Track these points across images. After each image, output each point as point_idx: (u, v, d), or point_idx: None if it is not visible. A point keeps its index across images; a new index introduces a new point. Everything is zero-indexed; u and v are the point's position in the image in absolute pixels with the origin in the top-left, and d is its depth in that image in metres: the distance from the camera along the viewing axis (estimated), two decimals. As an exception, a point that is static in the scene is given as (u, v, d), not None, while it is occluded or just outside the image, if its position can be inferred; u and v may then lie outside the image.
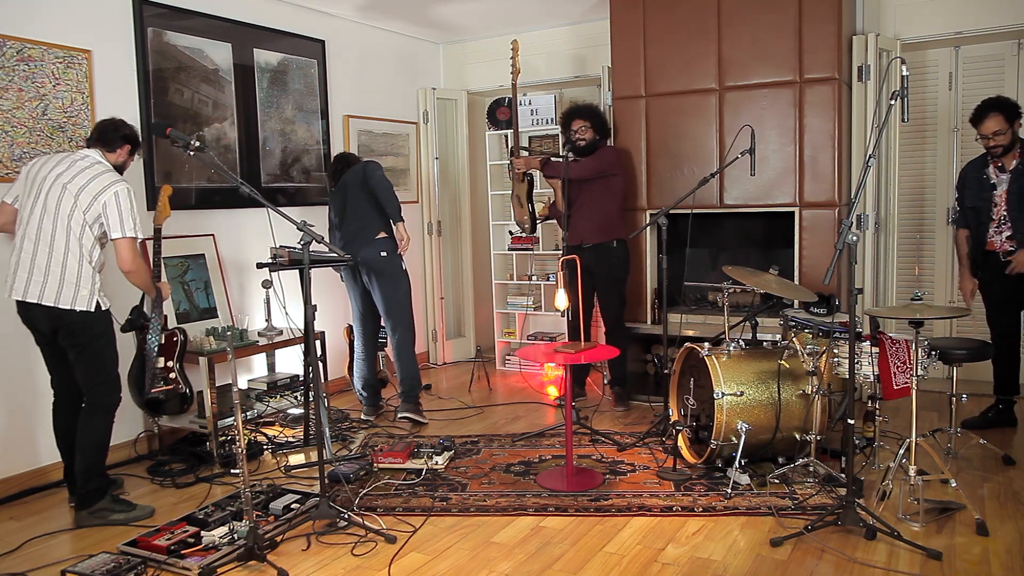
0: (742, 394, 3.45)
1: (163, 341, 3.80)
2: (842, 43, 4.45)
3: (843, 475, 3.24)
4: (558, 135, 5.92)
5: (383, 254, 4.43)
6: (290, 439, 4.33)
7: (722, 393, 3.43)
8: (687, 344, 3.76)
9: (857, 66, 4.65)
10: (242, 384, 4.71)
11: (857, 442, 3.61)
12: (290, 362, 5.00)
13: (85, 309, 3.18)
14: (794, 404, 3.49)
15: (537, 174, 5.16)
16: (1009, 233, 3.93)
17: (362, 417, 4.72)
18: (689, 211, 4.54)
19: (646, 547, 2.90)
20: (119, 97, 4.10)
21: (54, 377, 3.41)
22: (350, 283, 4.64)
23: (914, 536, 2.86)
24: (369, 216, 4.45)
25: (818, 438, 3.42)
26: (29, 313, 3.22)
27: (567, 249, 4.44)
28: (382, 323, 4.69)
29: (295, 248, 3.57)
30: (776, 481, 3.42)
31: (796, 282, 4.51)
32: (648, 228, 4.82)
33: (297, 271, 4.01)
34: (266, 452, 4.14)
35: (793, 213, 4.57)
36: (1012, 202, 3.90)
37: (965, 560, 2.71)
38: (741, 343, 3.66)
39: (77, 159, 3.24)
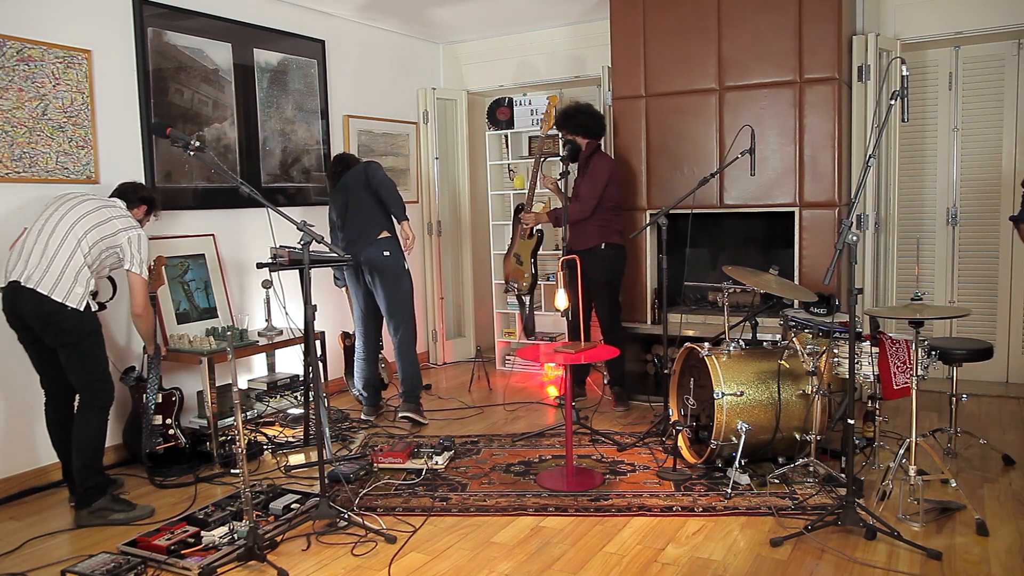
0: (742, 394, 3.45)
1: (160, 400, 3.84)
2: (842, 43, 4.45)
3: (843, 475, 3.24)
4: (558, 135, 5.92)
5: (386, 254, 4.44)
6: (290, 439, 4.33)
7: (722, 393, 3.43)
8: (687, 344, 3.76)
9: (857, 66, 4.65)
10: (242, 384, 4.72)
11: (857, 442, 3.61)
12: (290, 362, 5.00)
13: (75, 307, 3.20)
14: (794, 404, 3.49)
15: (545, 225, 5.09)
16: None
17: (362, 417, 4.72)
18: (689, 211, 4.54)
19: (646, 547, 2.90)
20: (119, 97, 4.10)
21: (43, 377, 3.43)
22: (353, 283, 4.64)
23: (914, 536, 2.86)
24: (371, 216, 4.46)
25: (818, 438, 3.42)
26: (18, 300, 3.20)
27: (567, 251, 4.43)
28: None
29: (295, 248, 3.58)
30: (776, 481, 3.42)
31: (796, 282, 4.51)
32: (648, 228, 4.82)
33: (297, 271, 4.01)
34: (266, 452, 4.14)
35: (793, 213, 4.57)
36: None
37: (965, 560, 2.71)
38: (741, 343, 3.66)
39: (108, 201, 3.48)
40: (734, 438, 3.43)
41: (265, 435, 4.33)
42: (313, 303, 3.14)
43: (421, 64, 6.32)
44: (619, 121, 5.06)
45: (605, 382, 5.04)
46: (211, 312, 4.51)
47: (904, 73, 2.83)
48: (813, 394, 3.43)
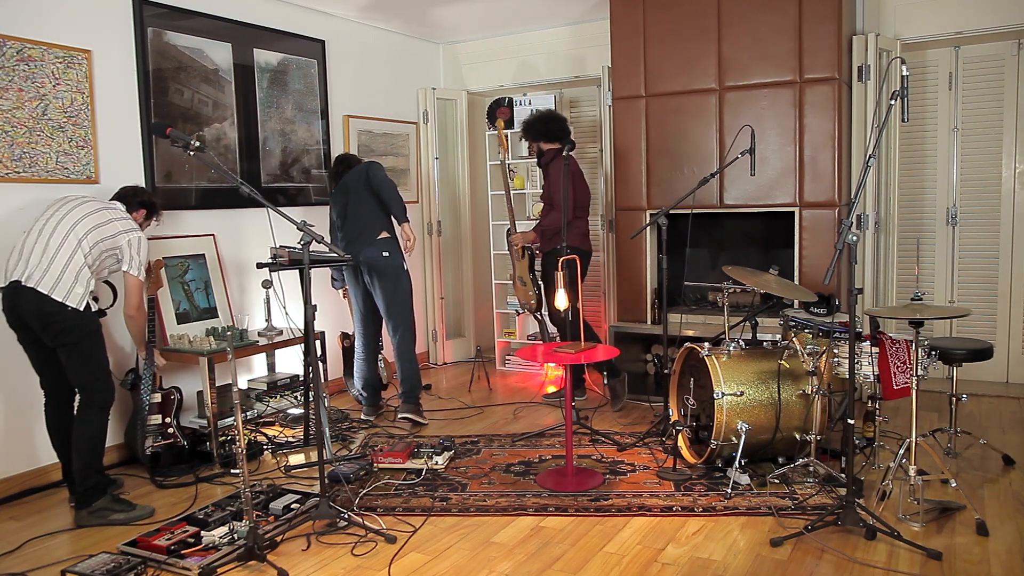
0: (742, 394, 3.45)
1: (160, 399, 3.84)
2: (842, 43, 4.45)
3: (843, 475, 3.24)
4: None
5: (385, 254, 4.44)
6: (290, 439, 4.33)
7: (722, 393, 3.43)
8: (687, 344, 3.76)
9: (857, 66, 4.65)
10: (242, 384, 4.72)
11: (857, 442, 3.61)
12: (290, 362, 5.00)
13: (75, 307, 3.20)
14: (794, 404, 3.49)
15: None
16: None
17: (362, 417, 4.72)
18: (689, 211, 4.54)
19: (646, 547, 2.90)
20: (119, 97, 4.10)
21: (43, 378, 3.43)
22: (352, 284, 4.64)
23: (914, 536, 2.86)
24: (371, 216, 4.46)
25: (818, 438, 3.42)
26: (18, 299, 3.20)
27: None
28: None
29: (295, 248, 3.58)
30: (776, 481, 3.42)
31: (796, 282, 4.50)
32: (648, 228, 4.82)
33: (297, 271, 4.01)
34: (266, 452, 4.14)
35: (793, 213, 4.57)
36: None
37: (965, 560, 2.71)
38: (741, 343, 3.66)
39: (109, 203, 3.48)
40: (734, 438, 3.43)
41: (265, 435, 4.33)
42: (313, 303, 3.14)
43: (421, 64, 6.32)
44: (619, 121, 5.06)
45: (605, 382, 5.04)
46: (211, 312, 4.51)
47: (904, 73, 2.83)
48: (813, 394, 3.43)
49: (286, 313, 4.47)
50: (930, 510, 3.05)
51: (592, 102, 6.19)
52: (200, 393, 4.28)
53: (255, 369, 4.88)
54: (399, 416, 4.58)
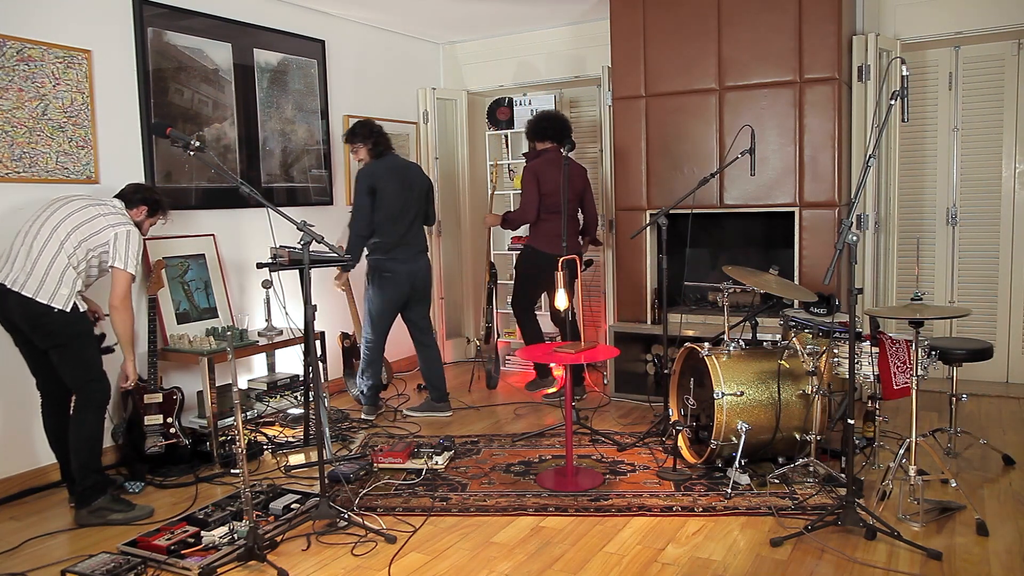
0: (742, 394, 3.45)
1: (162, 399, 3.83)
2: (842, 43, 4.45)
3: (843, 475, 3.24)
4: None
5: (429, 266, 4.75)
6: (290, 439, 4.33)
7: (722, 393, 3.43)
8: (687, 344, 3.76)
9: (857, 66, 4.65)
10: (242, 384, 4.72)
11: (857, 442, 3.61)
12: (290, 362, 5.00)
13: (61, 308, 3.19)
14: (794, 404, 3.49)
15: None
16: None
17: (363, 417, 4.72)
18: (689, 211, 4.54)
19: (646, 547, 2.90)
20: (119, 97, 4.10)
21: (38, 379, 3.43)
22: (393, 286, 4.57)
23: (914, 536, 2.86)
24: (421, 227, 4.72)
25: (818, 438, 3.42)
26: (5, 303, 3.20)
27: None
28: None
29: (295, 248, 3.58)
30: (776, 481, 3.42)
31: (796, 282, 4.50)
32: (648, 228, 4.82)
33: (297, 271, 4.01)
34: (266, 452, 4.14)
35: (793, 213, 4.57)
36: None
37: (965, 560, 2.71)
38: (741, 343, 3.66)
39: (105, 200, 3.45)
40: (734, 438, 3.43)
41: (265, 435, 4.33)
42: (313, 303, 3.14)
43: (421, 64, 6.32)
44: (619, 121, 5.06)
45: (605, 382, 5.04)
46: (211, 312, 4.51)
47: (904, 73, 2.83)
48: (813, 394, 3.43)
49: (286, 313, 4.47)
50: (930, 510, 3.05)
51: (592, 102, 6.19)
52: (200, 393, 4.28)
53: (255, 369, 4.88)
54: (444, 415, 4.77)
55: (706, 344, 3.62)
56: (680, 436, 3.75)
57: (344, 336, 5.13)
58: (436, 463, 3.73)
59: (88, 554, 2.91)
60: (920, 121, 5.05)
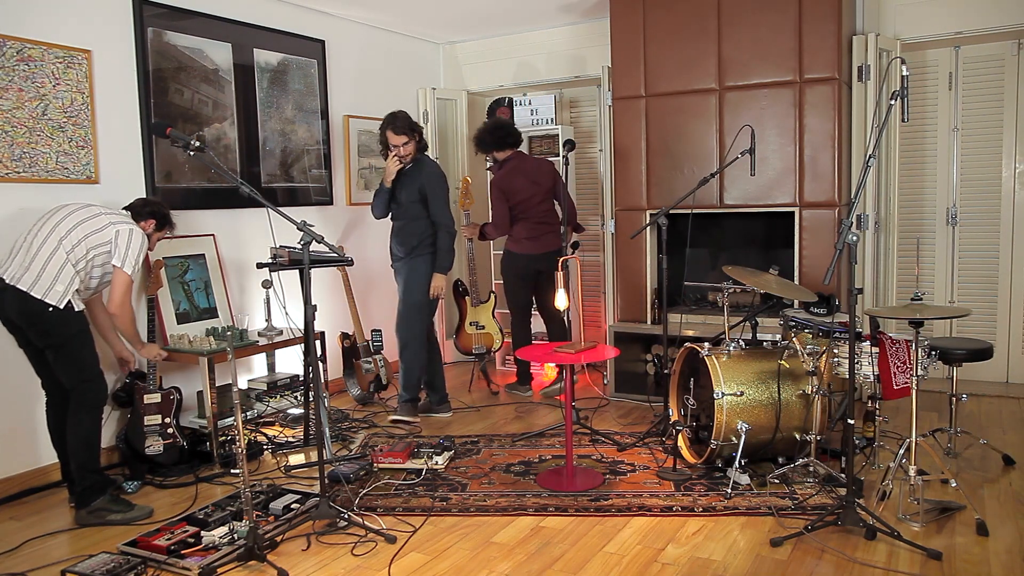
0: (742, 394, 3.45)
1: (160, 399, 3.83)
2: (842, 43, 4.45)
3: (843, 475, 3.24)
4: (558, 135, 5.93)
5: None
6: (290, 439, 4.33)
7: (722, 393, 3.43)
8: (687, 344, 3.76)
9: (857, 66, 4.65)
10: (242, 384, 4.71)
11: (857, 442, 3.61)
12: (290, 362, 5.00)
13: (55, 305, 3.18)
14: (794, 404, 3.49)
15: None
16: None
17: (408, 420, 4.57)
18: (689, 211, 4.54)
19: (646, 547, 2.90)
20: (119, 97, 4.10)
21: (41, 377, 3.44)
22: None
23: (914, 536, 2.86)
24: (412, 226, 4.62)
25: (818, 438, 3.42)
26: (3, 299, 3.20)
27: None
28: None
29: (295, 248, 3.58)
30: (776, 481, 3.42)
31: (796, 282, 4.50)
32: (648, 228, 4.82)
33: (297, 271, 4.01)
34: (266, 452, 4.14)
35: (793, 213, 4.56)
36: None
37: (965, 560, 2.71)
38: (741, 343, 3.66)
39: (107, 208, 3.45)
40: (734, 438, 3.43)
41: (265, 435, 4.33)
42: (313, 303, 3.14)
43: (421, 64, 6.32)
44: (619, 121, 5.06)
45: (605, 382, 5.04)
46: (211, 312, 4.51)
47: (904, 73, 2.83)
48: (813, 394, 3.43)
49: (286, 313, 4.47)
50: (930, 510, 3.05)
51: (592, 102, 6.19)
52: (200, 393, 4.28)
53: (255, 369, 4.88)
54: (444, 415, 4.75)
55: (706, 344, 3.62)
56: (680, 436, 3.75)
57: (344, 336, 5.13)
58: (436, 463, 3.73)
59: (88, 554, 2.91)
60: (920, 121, 5.05)
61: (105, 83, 4.02)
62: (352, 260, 4.44)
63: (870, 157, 2.86)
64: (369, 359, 5.09)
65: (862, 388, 4.27)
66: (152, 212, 3.59)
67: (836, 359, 3.41)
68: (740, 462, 3.37)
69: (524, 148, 6.15)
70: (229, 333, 4.30)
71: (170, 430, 3.83)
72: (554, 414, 4.75)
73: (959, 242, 5.03)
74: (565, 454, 3.69)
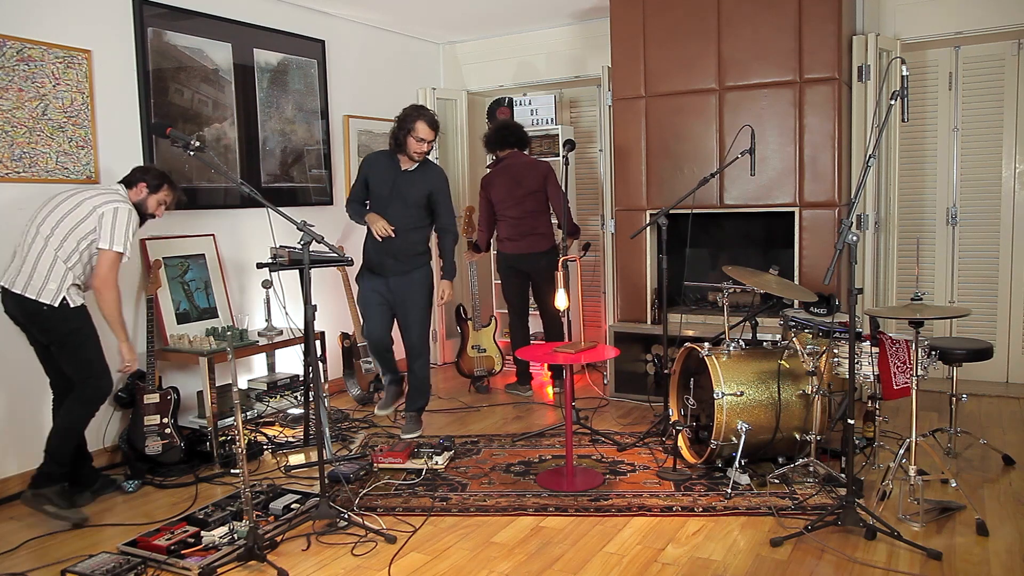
0: (742, 394, 3.45)
1: (158, 399, 3.83)
2: (842, 43, 4.45)
3: (843, 475, 3.24)
4: (558, 135, 5.93)
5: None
6: (290, 439, 4.33)
7: (722, 393, 3.43)
8: (687, 344, 3.76)
9: (857, 66, 4.65)
10: (242, 384, 4.71)
11: (857, 442, 3.61)
12: (290, 362, 5.00)
13: (49, 303, 3.19)
14: (794, 404, 3.49)
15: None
16: None
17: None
18: (689, 211, 4.54)
19: (646, 547, 2.90)
20: (119, 97, 4.10)
21: (49, 376, 3.45)
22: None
23: (914, 536, 2.86)
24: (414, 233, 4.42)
25: (818, 438, 3.42)
26: (6, 303, 3.27)
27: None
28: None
29: (295, 248, 3.58)
30: (776, 481, 3.42)
31: (796, 282, 4.50)
32: (648, 228, 4.82)
33: (297, 271, 4.01)
34: (266, 452, 4.14)
35: (793, 213, 4.56)
36: None
37: (965, 560, 2.71)
38: (741, 343, 3.66)
39: (103, 187, 3.45)
40: (734, 438, 3.43)
41: (265, 435, 4.33)
42: (313, 303, 3.14)
43: (421, 64, 6.32)
44: (619, 121, 5.06)
45: (605, 382, 5.04)
46: (211, 312, 4.50)
47: (904, 73, 2.83)
48: (813, 394, 3.43)
49: (286, 313, 4.47)
50: (930, 510, 3.05)
51: (592, 102, 6.19)
52: (200, 393, 4.28)
53: (255, 369, 4.88)
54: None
55: (706, 344, 3.62)
56: (680, 436, 3.75)
57: (344, 336, 5.13)
58: (436, 463, 3.73)
59: (88, 554, 2.91)
60: (920, 121, 5.05)
61: (105, 83, 4.02)
62: (352, 260, 4.43)
63: (870, 157, 2.86)
64: (369, 359, 5.09)
65: (862, 388, 4.27)
66: (141, 177, 3.49)
67: (836, 359, 3.41)
68: (740, 462, 3.37)
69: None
70: (229, 333, 4.30)
71: (168, 430, 3.83)
72: (554, 414, 4.75)
73: (959, 242, 5.03)
74: (565, 454, 3.69)
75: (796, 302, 4.09)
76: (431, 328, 4.76)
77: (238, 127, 4.74)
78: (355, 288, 4.49)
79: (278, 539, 3.02)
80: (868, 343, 3.37)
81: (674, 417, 3.89)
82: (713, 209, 4.80)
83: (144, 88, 4.20)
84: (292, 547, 3.00)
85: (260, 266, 4.07)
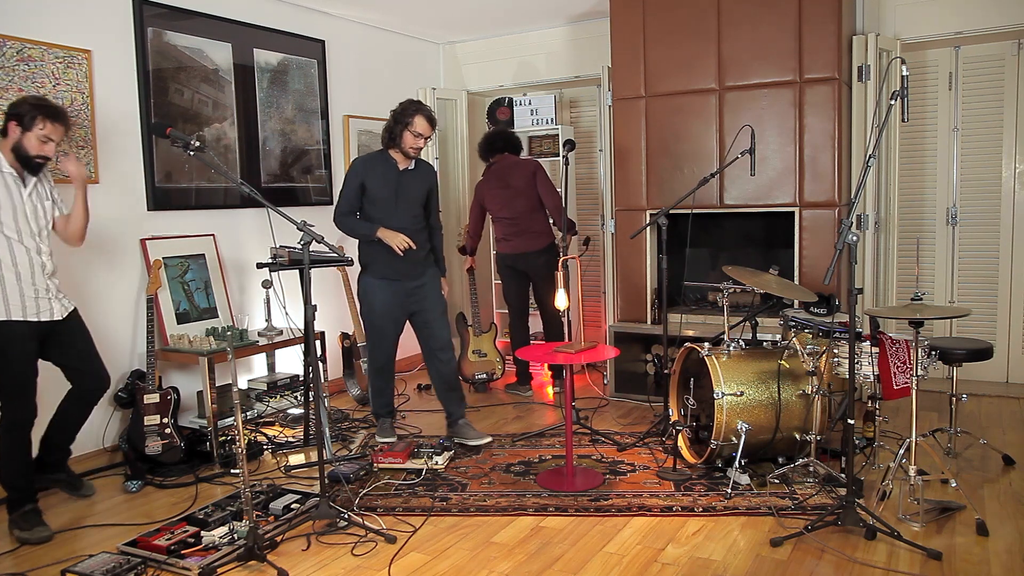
0: (742, 394, 3.45)
1: (158, 399, 3.83)
2: (842, 43, 4.45)
3: (843, 475, 3.24)
4: (558, 135, 5.93)
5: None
6: (290, 439, 4.33)
7: (722, 393, 3.43)
8: (687, 344, 3.76)
9: (857, 66, 4.65)
10: (242, 384, 4.72)
11: (857, 442, 3.61)
12: (290, 362, 5.00)
13: None
14: (794, 404, 3.49)
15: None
16: None
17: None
18: (689, 211, 4.54)
19: (646, 547, 2.90)
20: (119, 97, 4.10)
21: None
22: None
23: (914, 536, 2.86)
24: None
25: (818, 438, 3.42)
26: None
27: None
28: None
29: (295, 248, 3.58)
30: (776, 481, 3.42)
31: (796, 282, 4.50)
32: (648, 228, 4.82)
33: (297, 271, 4.01)
34: (266, 452, 4.14)
35: (793, 213, 4.56)
36: None
37: (965, 560, 2.71)
38: (741, 343, 3.66)
39: None
40: (734, 438, 3.43)
41: (265, 435, 4.33)
42: (313, 303, 3.14)
43: (421, 64, 6.32)
44: (619, 121, 5.06)
45: (605, 382, 5.04)
46: (211, 312, 4.50)
47: (904, 73, 2.83)
48: (813, 394, 3.43)
49: (286, 313, 4.47)
50: (930, 510, 3.05)
51: (592, 102, 6.19)
52: (200, 393, 4.28)
53: (255, 369, 4.88)
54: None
55: (706, 344, 3.62)
56: (680, 436, 3.75)
57: (344, 336, 5.13)
58: (436, 463, 3.73)
59: (88, 554, 2.91)
60: (920, 121, 5.05)
61: (105, 83, 4.03)
62: (352, 260, 4.44)
63: (870, 157, 2.86)
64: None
65: (862, 388, 4.27)
66: (8, 115, 3.07)
67: (836, 359, 3.41)
68: (740, 462, 3.37)
69: (524, 148, 6.16)
70: (229, 333, 4.30)
71: (168, 430, 3.83)
72: (555, 414, 4.75)
73: (959, 242, 5.03)
74: (565, 454, 3.69)
75: (796, 302, 4.09)
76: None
77: (238, 127, 4.74)
78: (355, 288, 4.46)
79: (278, 539, 3.02)
80: (868, 343, 3.37)
81: (674, 417, 3.89)
82: (713, 209, 4.79)
83: (144, 88, 4.20)
84: (292, 547, 3.00)
85: (260, 266, 4.07)
